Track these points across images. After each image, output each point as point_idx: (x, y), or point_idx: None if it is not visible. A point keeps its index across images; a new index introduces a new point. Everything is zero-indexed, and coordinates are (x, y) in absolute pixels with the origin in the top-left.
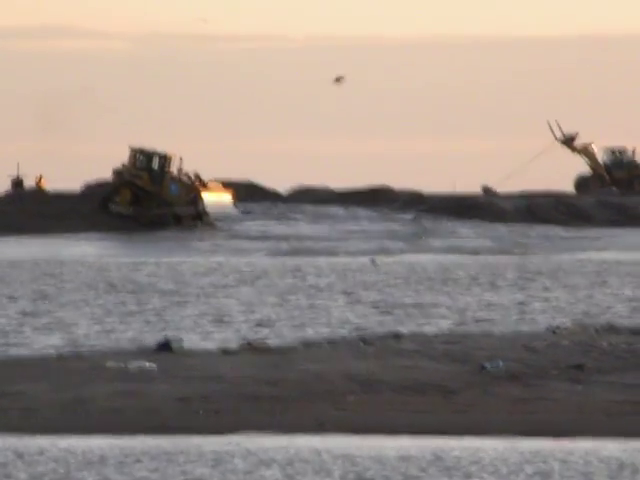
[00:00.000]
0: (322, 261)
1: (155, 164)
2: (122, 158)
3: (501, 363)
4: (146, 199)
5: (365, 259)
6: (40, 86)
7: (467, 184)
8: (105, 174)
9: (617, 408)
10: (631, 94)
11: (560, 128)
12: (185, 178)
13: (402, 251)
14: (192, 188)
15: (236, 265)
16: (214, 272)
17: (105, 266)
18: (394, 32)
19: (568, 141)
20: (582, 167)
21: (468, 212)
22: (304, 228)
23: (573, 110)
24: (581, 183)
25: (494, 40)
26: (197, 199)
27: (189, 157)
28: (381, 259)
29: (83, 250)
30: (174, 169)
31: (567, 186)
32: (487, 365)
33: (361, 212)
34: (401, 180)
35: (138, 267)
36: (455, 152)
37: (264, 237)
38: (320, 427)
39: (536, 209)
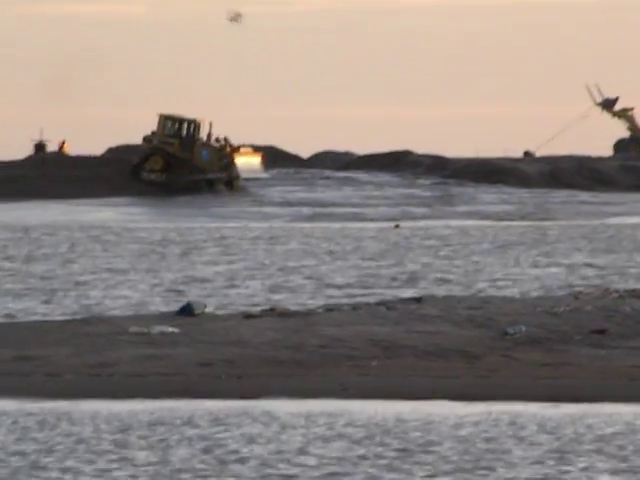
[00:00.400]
0: (346, 226)
1: (185, 130)
2: (145, 123)
3: (524, 328)
4: (178, 166)
5: (389, 224)
6: (60, 51)
7: (490, 149)
8: (128, 139)
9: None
10: None
11: (600, 92)
12: (215, 143)
13: (425, 216)
14: (224, 153)
15: (257, 230)
16: (235, 237)
17: (122, 231)
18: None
19: (608, 105)
20: (615, 132)
21: (491, 177)
22: (327, 194)
23: (613, 74)
24: (620, 147)
25: (520, 3)
26: (229, 164)
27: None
28: (405, 224)
29: (106, 215)
30: (204, 135)
31: (603, 150)
32: (510, 330)
33: (383, 177)
34: (423, 145)
35: (155, 232)
36: (477, 117)
37: (288, 203)
38: (343, 392)
39: (560, 174)
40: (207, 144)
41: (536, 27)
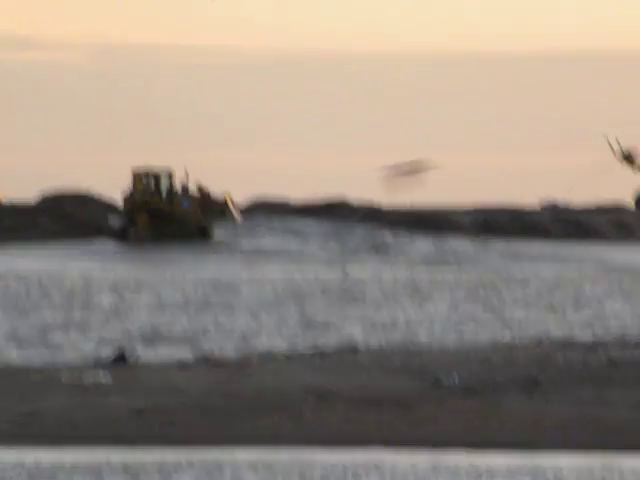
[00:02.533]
0: (283, 273)
1: (163, 183)
2: (77, 169)
3: (457, 377)
4: (164, 220)
5: (334, 271)
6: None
7: (423, 198)
8: (62, 185)
9: (572, 423)
10: None
11: (619, 143)
12: (195, 192)
13: (363, 265)
14: (203, 201)
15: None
16: (177, 284)
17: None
18: (358, 45)
19: (629, 157)
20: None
21: (426, 226)
22: (269, 241)
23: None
24: None
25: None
26: (210, 212)
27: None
28: (351, 271)
29: (41, 263)
30: (178, 184)
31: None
32: (443, 379)
33: (318, 226)
34: (358, 193)
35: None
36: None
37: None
38: (276, 440)
39: (493, 223)
40: (186, 194)
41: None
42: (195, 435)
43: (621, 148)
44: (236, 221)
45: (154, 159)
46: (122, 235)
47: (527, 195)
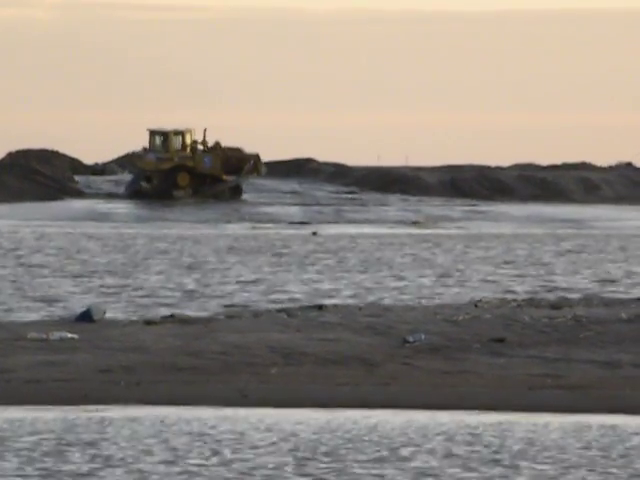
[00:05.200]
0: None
1: (187, 141)
2: (44, 127)
3: (423, 336)
4: (201, 179)
5: (304, 231)
6: None
7: (391, 157)
8: (29, 144)
9: (538, 382)
10: None
11: None
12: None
13: (331, 223)
14: (225, 159)
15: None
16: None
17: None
18: (317, 5)
19: None
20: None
21: (393, 186)
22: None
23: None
24: None
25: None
26: (235, 169)
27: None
28: (320, 230)
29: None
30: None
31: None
32: (409, 338)
33: (287, 184)
34: (325, 153)
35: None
36: (379, 125)
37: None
38: (243, 399)
39: (459, 183)
40: (207, 151)
41: (439, 34)
42: (160, 394)
43: None
44: (259, 176)
45: (114, 115)
46: (164, 193)
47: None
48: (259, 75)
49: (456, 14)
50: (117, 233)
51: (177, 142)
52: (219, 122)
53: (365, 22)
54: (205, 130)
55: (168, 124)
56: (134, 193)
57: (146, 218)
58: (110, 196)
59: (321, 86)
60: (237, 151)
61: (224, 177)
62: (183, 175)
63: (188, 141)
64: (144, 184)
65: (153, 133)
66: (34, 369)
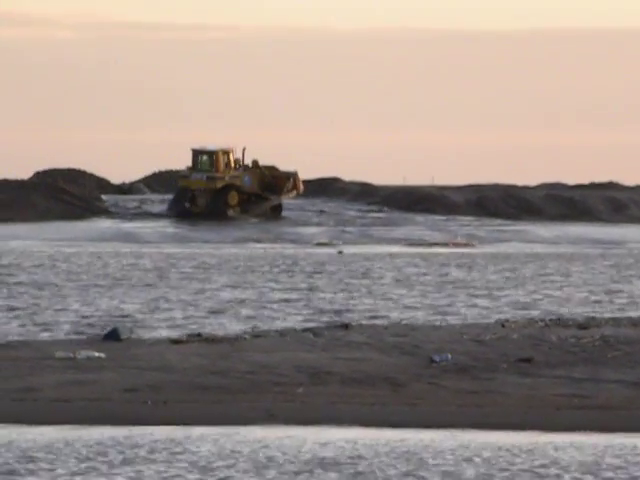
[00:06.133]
0: (286, 250)
1: (232, 160)
2: (71, 146)
3: (450, 356)
4: (247, 198)
5: (331, 250)
6: None
7: (417, 177)
8: (56, 163)
9: (565, 402)
10: None
11: None
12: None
13: (356, 242)
14: (261, 177)
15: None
16: (184, 260)
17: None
18: (344, 24)
19: None
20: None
21: (419, 205)
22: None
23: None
24: None
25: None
26: (275, 188)
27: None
28: (346, 249)
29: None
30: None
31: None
32: (436, 358)
33: (313, 204)
34: (351, 172)
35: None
36: (405, 145)
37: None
38: (270, 418)
39: (486, 202)
40: (248, 170)
41: (465, 54)
42: (187, 414)
43: None
44: (296, 195)
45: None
46: (217, 212)
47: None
48: (285, 94)
49: (482, 33)
50: (148, 252)
51: (224, 161)
52: (243, 141)
53: (392, 41)
54: (244, 149)
55: (194, 143)
56: (181, 213)
57: (182, 237)
58: (142, 216)
59: (347, 105)
60: (272, 169)
61: (267, 196)
62: (233, 194)
63: (232, 160)
64: (187, 204)
65: (198, 152)
66: (61, 388)
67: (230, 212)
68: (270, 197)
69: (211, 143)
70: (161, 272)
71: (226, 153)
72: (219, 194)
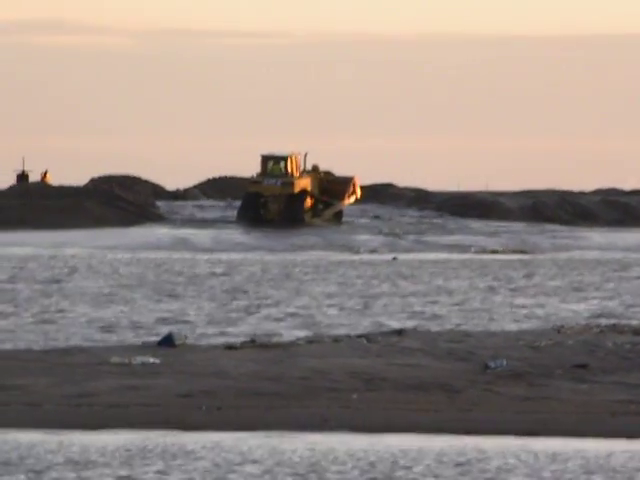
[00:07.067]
0: (336, 257)
1: (300, 166)
2: (124, 153)
3: (505, 362)
4: (313, 204)
5: (386, 256)
6: (43, 81)
7: (471, 182)
8: (111, 169)
9: (621, 408)
10: None
11: None
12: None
13: (409, 249)
14: (320, 182)
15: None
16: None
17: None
18: (398, 29)
19: None
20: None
21: (473, 211)
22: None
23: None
24: None
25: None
26: (336, 194)
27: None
28: (400, 256)
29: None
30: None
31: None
32: (491, 364)
33: (367, 209)
34: (405, 178)
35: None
36: (459, 150)
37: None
38: (324, 424)
39: (541, 208)
40: (310, 175)
41: (520, 59)
42: (241, 419)
43: None
44: (355, 201)
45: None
46: (299, 219)
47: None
48: (338, 100)
49: (538, 39)
50: (203, 259)
51: (294, 166)
52: (293, 146)
53: (444, 46)
54: (306, 154)
55: (246, 149)
56: (251, 219)
57: (238, 244)
58: (197, 222)
59: (400, 111)
60: (328, 174)
61: (332, 201)
62: (308, 200)
63: (299, 165)
64: (262, 210)
65: (268, 158)
66: (116, 393)
67: (306, 218)
68: (334, 202)
69: (252, 149)
70: (214, 279)
71: (296, 158)
72: (295, 200)
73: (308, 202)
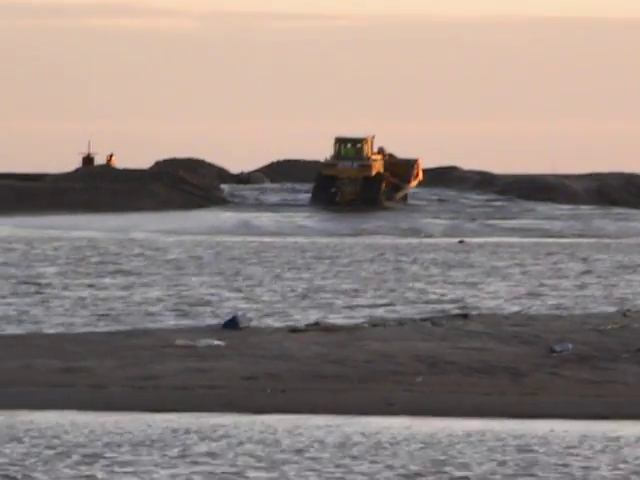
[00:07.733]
0: (403, 241)
1: (372, 149)
2: (188, 137)
3: (570, 346)
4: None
5: (452, 240)
6: (109, 65)
7: (536, 165)
8: (173, 153)
9: None
10: None
11: None
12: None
13: (477, 232)
14: (387, 165)
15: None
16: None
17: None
18: (459, 11)
19: None
20: None
21: (539, 194)
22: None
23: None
24: None
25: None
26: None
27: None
28: (467, 239)
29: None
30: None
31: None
32: (556, 347)
33: (432, 193)
34: (470, 161)
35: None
36: (526, 133)
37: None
38: (389, 408)
39: (607, 190)
40: (378, 158)
41: (588, 44)
42: (305, 402)
43: None
44: (418, 183)
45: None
46: (376, 201)
47: None
48: (399, 82)
49: (619, 21)
50: (269, 242)
51: (370, 149)
52: (355, 129)
53: (508, 28)
54: (373, 137)
55: (309, 132)
56: (327, 202)
57: (304, 228)
58: (261, 205)
59: (464, 94)
60: (391, 157)
61: (400, 184)
62: (383, 182)
63: (371, 148)
64: (335, 191)
65: (343, 141)
66: (181, 376)
67: (384, 200)
68: (403, 185)
69: (314, 132)
70: (276, 262)
71: (371, 141)
72: (372, 182)
73: (384, 185)
